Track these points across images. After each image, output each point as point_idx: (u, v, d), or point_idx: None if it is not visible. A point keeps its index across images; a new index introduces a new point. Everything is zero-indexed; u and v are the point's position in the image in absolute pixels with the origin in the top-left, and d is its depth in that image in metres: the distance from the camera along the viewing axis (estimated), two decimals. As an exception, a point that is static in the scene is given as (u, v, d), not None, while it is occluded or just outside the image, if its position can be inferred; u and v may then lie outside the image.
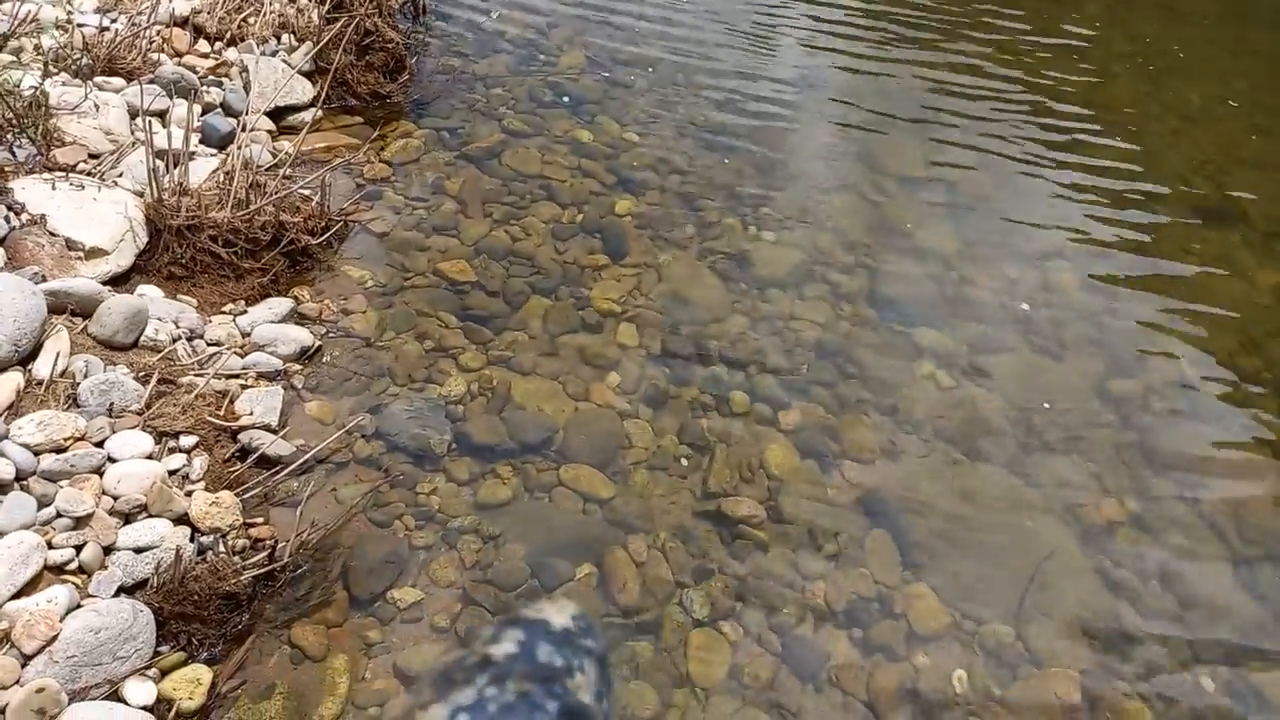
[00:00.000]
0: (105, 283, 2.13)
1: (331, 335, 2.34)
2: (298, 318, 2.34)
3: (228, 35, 3.06)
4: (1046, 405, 2.51)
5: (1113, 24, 4.50)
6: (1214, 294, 2.97)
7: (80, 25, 2.73)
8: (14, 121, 2.29)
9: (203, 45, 3.02)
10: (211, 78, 2.89)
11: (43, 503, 1.64)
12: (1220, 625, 2.07)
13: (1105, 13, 4.65)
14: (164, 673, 1.57)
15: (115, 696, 1.50)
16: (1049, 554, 2.15)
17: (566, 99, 3.32)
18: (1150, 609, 2.08)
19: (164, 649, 1.60)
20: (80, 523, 1.64)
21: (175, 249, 2.29)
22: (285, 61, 3.06)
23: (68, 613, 1.52)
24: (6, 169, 2.25)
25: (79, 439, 1.75)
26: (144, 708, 1.50)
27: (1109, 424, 2.48)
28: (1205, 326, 2.84)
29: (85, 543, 1.62)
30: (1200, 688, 1.95)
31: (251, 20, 3.12)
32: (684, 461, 2.22)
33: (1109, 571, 2.14)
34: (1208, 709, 1.92)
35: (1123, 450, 2.42)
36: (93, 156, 2.41)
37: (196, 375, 2.01)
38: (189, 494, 1.78)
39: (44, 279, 2.03)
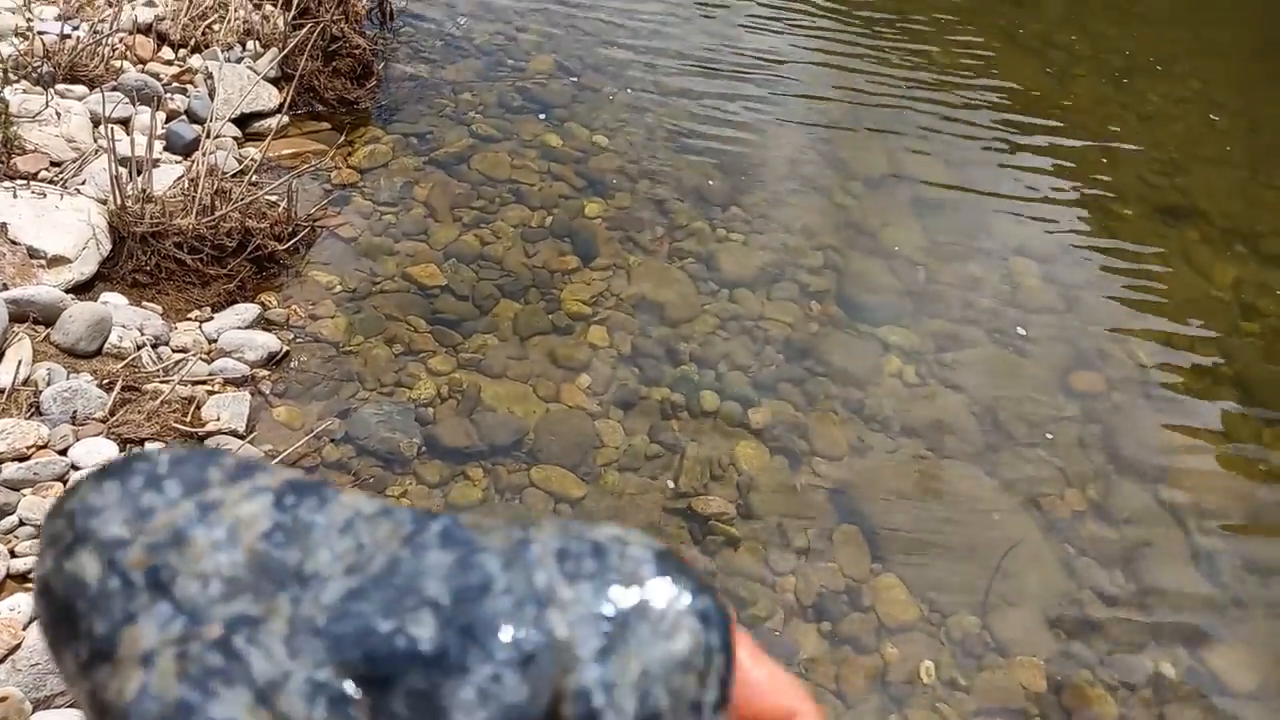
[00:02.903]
0: (69, 291, 2.13)
1: (300, 340, 2.35)
2: (265, 323, 2.34)
3: (192, 42, 3.06)
4: (1010, 400, 2.57)
5: (1072, 25, 4.61)
6: (1173, 289, 3.05)
7: (41, 33, 2.73)
8: (-27, 130, 2.29)
9: (166, 52, 3.02)
10: (176, 85, 2.89)
11: (5, 511, 1.64)
12: (1181, 611, 2.12)
13: (1064, 14, 4.76)
14: (130, 680, 1.57)
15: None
16: (1014, 545, 2.20)
17: (543, 116, 3.35)
18: (1113, 596, 2.13)
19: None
20: (43, 531, 1.64)
21: (139, 256, 2.29)
22: (251, 68, 3.07)
23: (31, 621, 1.52)
24: (-35, 177, 2.24)
25: (41, 447, 1.75)
26: (110, 715, 1.50)
27: (1072, 417, 2.55)
28: (1165, 321, 2.92)
29: (48, 551, 1.62)
30: (1161, 673, 2.01)
31: (216, 27, 3.12)
32: (655, 460, 2.25)
33: (1072, 560, 2.20)
34: (1169, 693, 1.98)
35: (1085, 442, 2.48)
36: (54, 164, 2.41)
37: (162, 382, 2.02)
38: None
39: (5, 287, 2.02)
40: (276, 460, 1.99)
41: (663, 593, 0.25)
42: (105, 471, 0.26)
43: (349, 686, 0.23)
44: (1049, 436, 2.47)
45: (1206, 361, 2.79)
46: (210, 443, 1.96)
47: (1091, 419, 2.55)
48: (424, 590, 0.24)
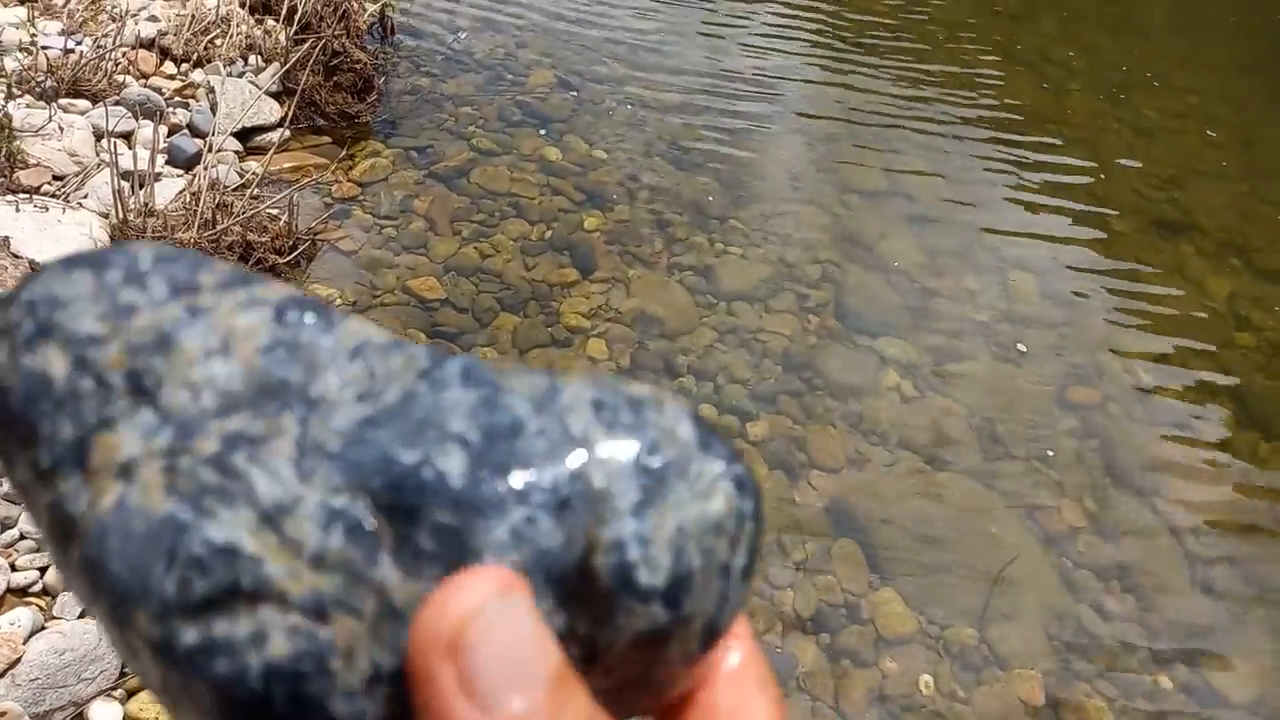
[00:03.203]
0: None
1: (300, 354, 2.36)
2: (265, 337, 2.35)
3: (194, 57, 3.09)
4: (1007, 413, 2.59)
5: (1068, 40, 4.65)
6: (1169, 303, 3.07)
7: (45, 48, 2.75)
8: (-24, 144, 2.31)
9: (169, 67, 3.05)
10: (178, 99, 2.92)
11: (5, 525, 1.65)
12: (1179, 625, 2.13)
13: (1060, 29, 4.80)
14: (130, 693, 1.57)
15: (80, 718, 1.50)
16: (1012, 558, 2.21)
17: (543, 130, 3.38)
18: (1110, 610, 2.14)
19: (130, 669, 1.61)
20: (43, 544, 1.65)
21: (141, 270, 2.30)
22: (252, 83, 3.09)
23: (31, 635, 1.53)
24: (-31, 192, 2.26)
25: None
26: (109, 729, 1.50)
27: (1069, 430, 2.56)
28: (1161, 335, 2.94)
29: (49, 564, 1.62)
30: (1159, 687, 2.01)
31: (218, 42, 3.15)
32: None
33: (1070, 574, 2.20)
34: (1167, 707, 1.98)
35: (1083, 456, 2.49)
36: (57, 178, 2.43)
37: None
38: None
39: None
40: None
41: (700, 453, 0.24)
42: (74, 260, 0.23)
43: (368, 516, 0.21)
44: (1047, 450, 2.48)
45: (1202, 375, 2.81)
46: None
47: (1089, 433, 2.56)
48: (448, 425, 0.22)
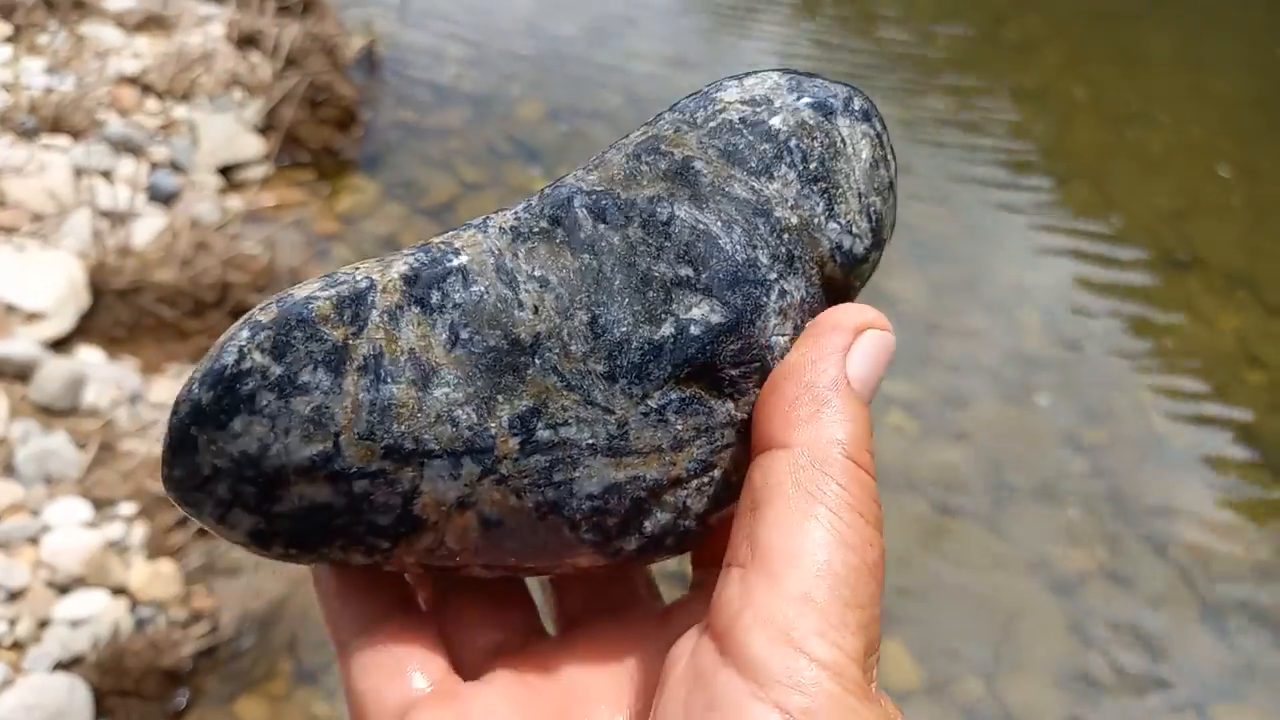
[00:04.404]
0: (46, 346, 2.19)
1: (281, 396, 2.40)
2: (246, 379, 2.40)
3: (177, 92, 3.18)
4: (1014, 454, 2.63)
5: (1072, 73, 4.80)
6: (1178, 340, 3.14)
7: (28, 87, 2.85)
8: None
9: (152, 103, 3.14)
10: (160, 135, 3.00)
11: (-25, 575, 1.68)
12: (1192, 674, 2.16)
13: (1064, 62, 4.95)
14: (100, 752, 1.59)
15: (48, 778, 1.52)
16: (1020, 606, 2.24)
17: (532, 163, 3.47)
18: (1121, 660, 2.17)
19: (100, 727, 1.62)
20: (15, 595, 1.68)
21: (118, 311, 2.36)
22: (235, 118, 3.18)
23: (0, 690, 1.55)
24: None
25: (15, 508, 1.79)
26: (78, 789, 1.52)
27: (1079, 472, 2.61)
28: (1170, 373, 3.00)
29: (20, 616, 1.65)
30: (1175, 740, 2.04)
31: (202, 78, 3.25)
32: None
33: (1080, 622, 2.23)
34: (1183, 762, 2.00)
35: (1092, 500, 2.54)
36: (36, 218, 2.49)
37: (138, 440, 2.07)
38: (129, 564, 1.82)
39: (-19, 343, 2.09)
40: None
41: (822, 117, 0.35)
42: None
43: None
44: (1055, 493, 2.53)
45: (1214, 414, 2.87)
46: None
47: (1098, 474, 2.61)
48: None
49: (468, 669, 0.35)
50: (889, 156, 0.36)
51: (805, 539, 0.28)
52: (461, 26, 4.34)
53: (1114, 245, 3.56)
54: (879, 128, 0.36)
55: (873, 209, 0.34)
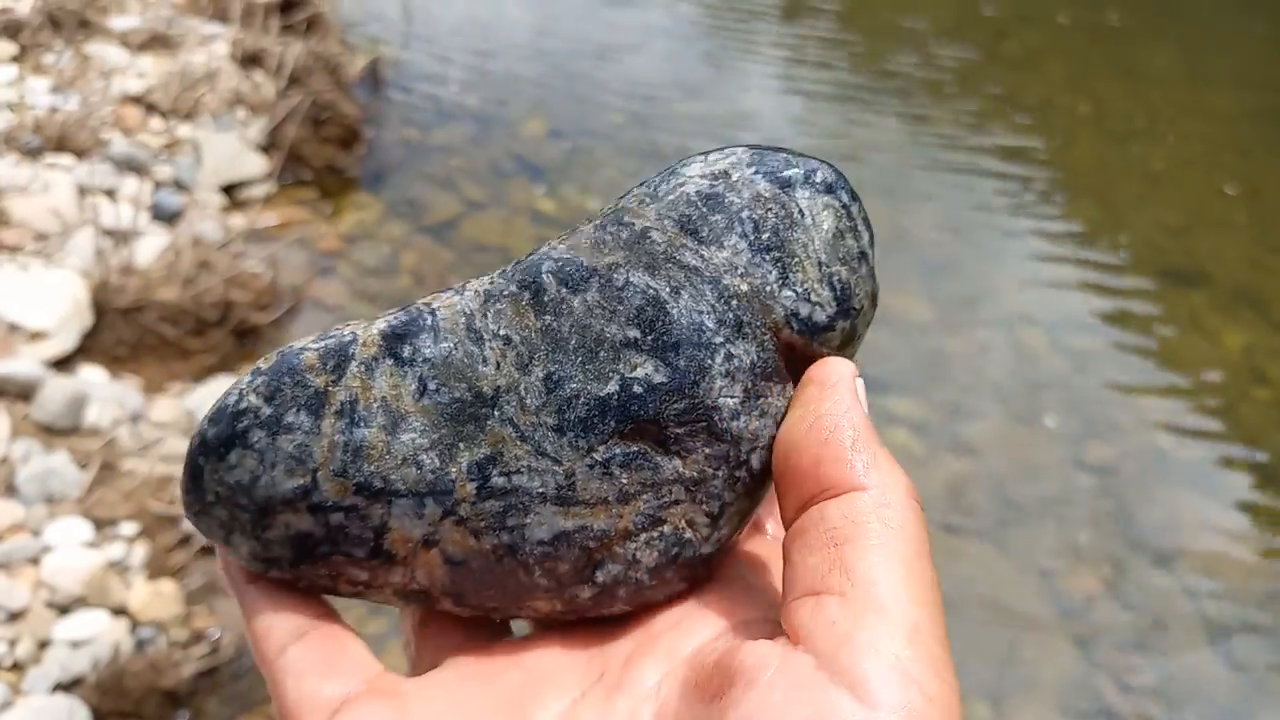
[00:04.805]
0: (49, 365, 2.21)
1: (282, 415, 2.41)
2: (247, 398, 2.41)
3: (181, 111, 3.22)
4: (1020, 473, 2.64)
5: (1073, 88, 4.83)
6: (1183, 355, 3.14)
7: (33, 107, 2.88)
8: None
9: (155, 122, 3.17)
10: (164, 154, 3.03)
11: (-24, 596, 1.69)
12: (1200, 697, 2.15)
13: (1066, 77, 4.98)
14: (99, 775, 1.59)
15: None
16: (1026, 627, 2.24)
17: (535, 180, 3.50)
18: (1129, 682, 2.16)
19: (99, 749, 1.63)
20: (15, 616, 1.69)
21: (120, 329, 2.38)
22: (239, 137, 3.22)
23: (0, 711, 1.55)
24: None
25: (17, 528, 1.80)
26: (77, 813, 1.52)
27: (1085, 490, 2.61)
28: (1176, 389, 3.00)
29: (20, 637, 1.66)
30: (1184, 763, 2.03)
31: (206, 97, 3.28)
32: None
33: (1087, 644, 2.23)
34: (1193, 785, 1.99)
35: (1099, 519, 2.53)
36: (40, 237, 2.52)
37: (139, 460, 2.08)
38: (129, 584, 1.83)
39: (-16, 363, 2.11)
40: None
41: (787, 192, 0.37)
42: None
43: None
44: (1061, 512, 2.53)
45: (1220, 431, 2.86)
46: (187, 524, 2.01)
47: (1104, 493, 2.61)
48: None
49: (426, 667, 0.37)
50: (858, 227, 0.38)
51: (906, 573, 0.31)
52: (464, 46, 4.38)
53: (1119, 262, 3.57)
54: (845, 199, 0.38)
55: (836, 278, 0.36)
